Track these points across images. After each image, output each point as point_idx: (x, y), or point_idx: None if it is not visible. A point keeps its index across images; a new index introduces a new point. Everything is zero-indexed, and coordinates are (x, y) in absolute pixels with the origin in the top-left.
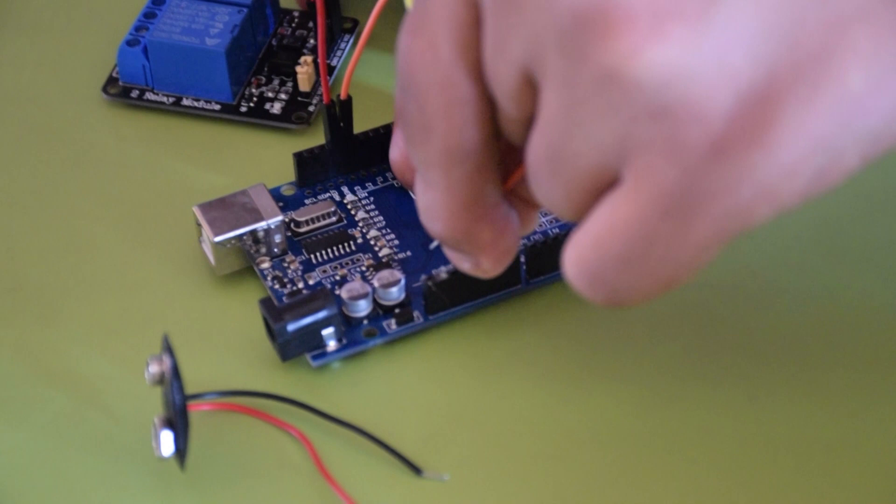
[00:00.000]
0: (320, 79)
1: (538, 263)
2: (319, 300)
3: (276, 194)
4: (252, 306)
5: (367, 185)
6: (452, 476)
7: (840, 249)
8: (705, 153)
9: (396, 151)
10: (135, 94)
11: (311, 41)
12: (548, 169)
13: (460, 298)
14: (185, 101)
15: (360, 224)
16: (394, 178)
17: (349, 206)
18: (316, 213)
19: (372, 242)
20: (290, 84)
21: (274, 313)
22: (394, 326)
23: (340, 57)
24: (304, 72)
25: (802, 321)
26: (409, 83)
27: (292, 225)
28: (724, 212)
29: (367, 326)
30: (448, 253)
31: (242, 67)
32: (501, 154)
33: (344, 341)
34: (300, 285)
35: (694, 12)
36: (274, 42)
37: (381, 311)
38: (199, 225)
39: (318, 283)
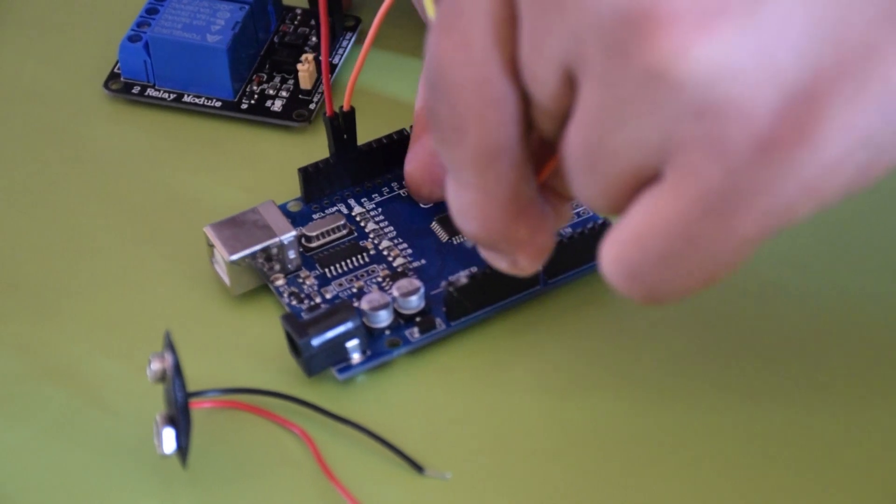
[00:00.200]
0: (323, 88)
1: (554, 264)
2: (342, 313)
3: (283, 211)
4: (261, 314)
5: (373, 196)
6: (454, 474)
7: (841, 248)
8: (750, 151)
9: (413, 165)
10: (136, 90)
11: (313, 39)
12: (586, 164)
13: (481, 302)
14: (187, 98)
15: (371, 235)
16: (399, 188)
17: (358, 219)
18: (326, 227)
19: (385, 253)
20: (291, 82)
21: (297, 329)
22: (417, 335)
23: (342, 55)
24: (305, 69)
25: (804, 320)
26: (440, 82)
27: (303, 240)
28: (767, 209)
29: (389, 336)
30: (484, 252)
31: (244, 65)
32: (533, 147)
33: (368, 353)
34: (318, 300)
35: (740, 10)
36: (276, 39)
37: (402, 321)
38: (210, 245)
39: (336, 297)
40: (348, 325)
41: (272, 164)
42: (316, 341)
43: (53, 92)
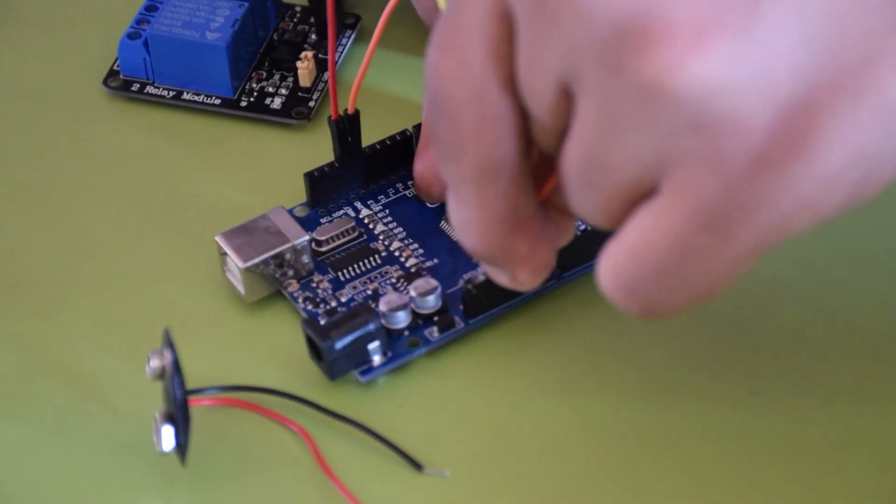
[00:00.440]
0: (329, 90)
1: (569, 258)
2: (362, 315)
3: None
4: (273, 319)
5: (379, 198)
6: (453, 472)
7: (841, 247)
8: (746, 166)
9: (422, 164)
10: (135, 87)
11: (313, 36)
12: (583, 179)
13: (497, 299)
14: (186, 96)
15: (381, 237)
16: (405, 189)
17: (366, 221)
18: (336, 230)
19: (397, 254)
20: (290, 79)
21: (319, 332)
22: (436, 334)
23: (342, 53)
24: (304, 67)
25: (804, 319)
26: (440, 99)
27: (313, 245)
28: (764, 224)
29: (408, 337)
30: (485, 267)
31: (243, 62)
32: (534, 163)
33: (389, 354)
34: (333, 304)
35: (735, 24)
36: (275, 37)
37: (419, 321)
38: (223, 254)
39: (351, 300)
40: (369, 328)
41: (271, 161)
42: (339, 344)
43: (52, 89)
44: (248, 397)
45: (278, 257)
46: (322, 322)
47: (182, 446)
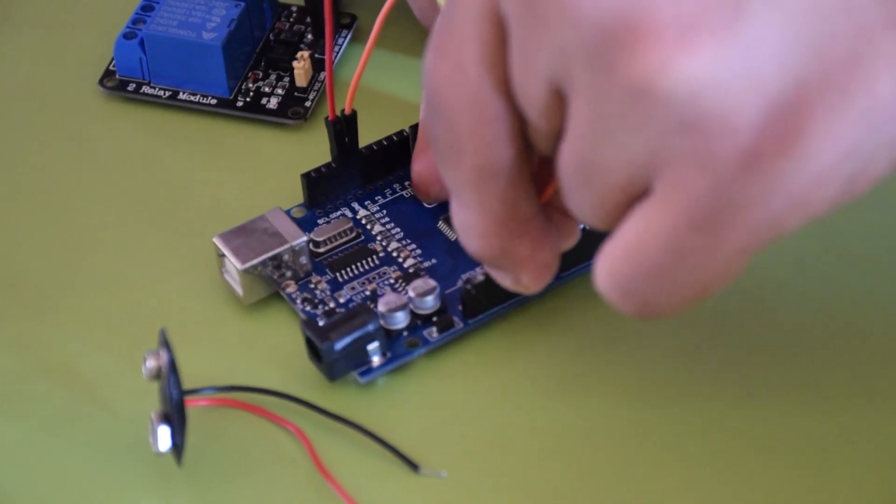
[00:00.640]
0: (326, 90)
1: (568, 256)
2: (361, 316)
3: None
4: (272, 320)
5: (376, 198)
6: (450, 473)
7: (840, 247)
8: (736, 165)
9: (420, 164)
10: (131, 87)
11: (309, 36)
12: (578, 181)
13: (497, 299)
14: (182, 95)
15: (379, 238)
16: (403, 189)
17: (364, 221)
18: (334, 231)
19: (395, 254)
20: (286, 79)
21: (319, 333)
22: (435, 334)
23: (338, 53)
24: (301, 67)
25: (802, 319)
26: (437, 104)
27: (311, 246)
28: (756, 222)
29: (407, 338)
30: (489, 270)
31: (239, 62)
32: (536, 166)
33: (388, 354)
34: (332, 304)
35: (721, 24)
36: (271, 37)
37: (418, 321)
38: (220, 256)
39: (350, 301)
40: (368, 328)
41: (268, 161)
42: (338, 345)
43: (48, 89)
44: (244, 398)
45: (276, 258)
46: (321, 323)
47: (178, 447)
